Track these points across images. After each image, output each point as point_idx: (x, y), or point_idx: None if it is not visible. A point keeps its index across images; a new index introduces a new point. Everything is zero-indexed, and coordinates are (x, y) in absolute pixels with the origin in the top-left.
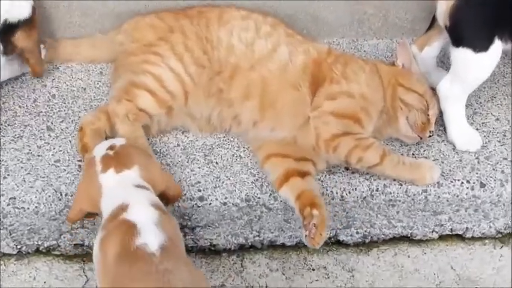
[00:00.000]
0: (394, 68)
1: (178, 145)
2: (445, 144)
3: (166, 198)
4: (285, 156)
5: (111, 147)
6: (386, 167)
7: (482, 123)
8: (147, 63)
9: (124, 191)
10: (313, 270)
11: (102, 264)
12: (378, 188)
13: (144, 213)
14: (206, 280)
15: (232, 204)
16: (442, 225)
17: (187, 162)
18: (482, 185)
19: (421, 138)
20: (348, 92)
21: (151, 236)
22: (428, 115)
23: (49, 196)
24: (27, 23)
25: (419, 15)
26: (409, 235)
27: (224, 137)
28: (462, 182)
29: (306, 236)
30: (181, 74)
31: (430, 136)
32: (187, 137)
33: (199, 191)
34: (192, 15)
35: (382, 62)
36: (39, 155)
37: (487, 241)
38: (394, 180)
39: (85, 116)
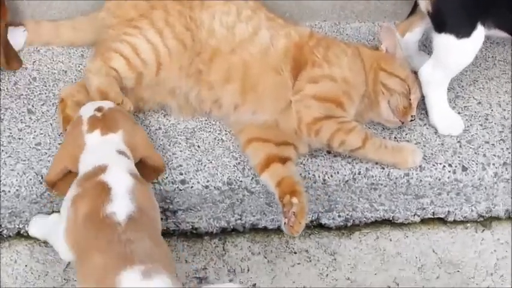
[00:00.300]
0: (376, 52)
1: (159, 128)
2: (427, 128)
3: (147, 170)
4: (266, 141)
5: (99, 109)
6: (369, 151)
7: (464, 106)
8: (125, 34)
9: (106, 154)
10: (295, 253)
11: (72, 222)
12: (360, 172)
13: (120, 179)
14: (171, 256)
15: (214, 187)
16: (424, 208)
17: (169, 145)
18: (464, 169)
19: (402, 123)
20: (330, 75)
21: (121, 204)
22: (410, 100)
23: (30, 179)
24: None
25: None
26: (391, 218)
27: (206, 120)
28: (444, 166)
29: (285, 223)
30: (158, 45)
31: (411, 120)
32: (169, 120)
33: (181, 174)
34: None
35: (364, 46)
36: (20, 138)
37: (468, 225)
38: (376, 163)
39: (65, 89)
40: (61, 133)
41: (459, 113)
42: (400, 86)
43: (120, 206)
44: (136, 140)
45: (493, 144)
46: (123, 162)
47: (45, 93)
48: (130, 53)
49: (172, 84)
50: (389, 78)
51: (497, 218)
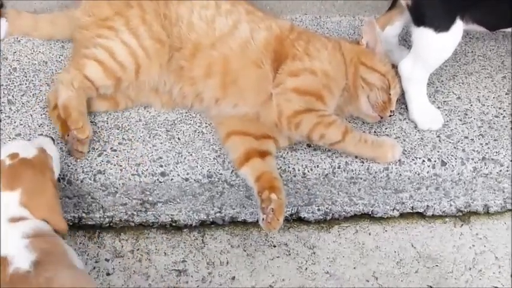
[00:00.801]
0: (357, 47)
1: (140, 120)
2: (407, 123)
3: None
4: (246, 134)
5: (12, 156)
6: (349, 144)
7: (444, 101)
8: (99, 37)
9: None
10: (275, 247)
11: None
12: (339, 166)
13: (13, 247)
14: (92, 280)
15: (194, 180)
16: (403, 203)
17: (149, 137)
18: (443, 164)
19: (381, 118)
20: (310, 69)
21: (21, 259)
22: (389, 95)
23: None
24: None
25: None
26: (370, 213)
27: (186, 112)
28: (423, 160)
29: (263, 219)
30: (134, 47)
31: (391, 116)
32: (149, 112)
33: (161, 166)
34: None
35: (345, 40)
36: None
37: (447, 219)
38: (356, 157)
39: (53, 93)
40: (41, 124)
41: (439, 107)
42: (380, 81)
43: (20, 260)
44: (37, 201)
45: (472, 139)
46: (15, 230)
47: (26, 83)
48: (106, 58)
49: (154, 82)
50: (369, 73)
51: (476, 213)
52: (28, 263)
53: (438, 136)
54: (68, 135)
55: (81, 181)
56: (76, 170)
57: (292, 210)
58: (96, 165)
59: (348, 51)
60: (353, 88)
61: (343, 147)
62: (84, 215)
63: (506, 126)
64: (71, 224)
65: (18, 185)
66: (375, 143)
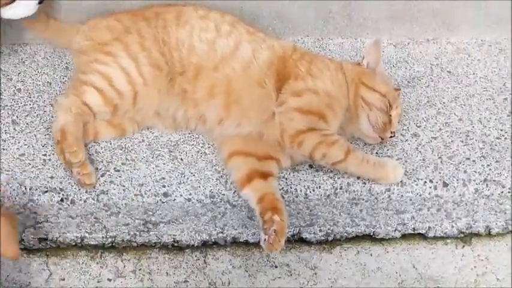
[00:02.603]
0: (358, 67)
1: (143, 141)
2: (409, 144)
3: None
4: (249, 155)
5: None
6: (350, 164)
7: (446, 123)
8: (97, 62)
9: None
10: (276, 267)
11: None
12: (341, 186)
13: None
14: None
15: (197, 200)
16: (404, 224)
17: (152, 158)
18: (445, 185)
19: (382, 139)
20: (313, 89)
21: None
22: (390, 115)
23: (13, 190)
24: None
25: (384, 14)
26: (371, 234)
27: (189, 133)
28: (425, 182)
29: (264, 240)
30: (133, 74)
31: (391, 137)
32: (153, 133)
33: (164, 186)
34: (149, 16)
35: (347, 61)
36: (4, 149)
37: (449, 240)
38: (358, 178)
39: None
40: (44, 144)
41: (440, 129)
42: (380, 101)
43: None
44: None
45: (474, 161)
46: None
47: (30, 104)
48: (104, 85)
49: (154, 107)
50: (369, 93)
51: (478, 235)
52: None
53: (440, 157)
54: (72, 170)
55: (84, 201)
56: (79, 190)
57: (293, 230)
58: (99, 185)
59: (349, 72)
60: (354, 108)
61: (345, 167)
62: (86, 234)
63: (507, 148)
64: (74, 244)
65: None
66: (377, 164)
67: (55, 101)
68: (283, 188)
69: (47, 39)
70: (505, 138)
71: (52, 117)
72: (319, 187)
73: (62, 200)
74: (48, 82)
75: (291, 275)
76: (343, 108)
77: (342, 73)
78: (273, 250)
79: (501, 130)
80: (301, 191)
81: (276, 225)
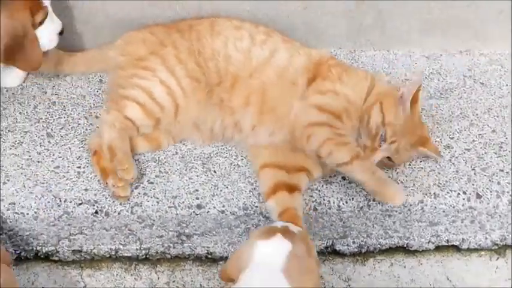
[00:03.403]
0: (391, 88)
1: (176, 153)
2: (442, 155)
3: None
4: (279, 167)
5: None
6: (355, 169)
7: (479, 134)
8: (137, 77)
9: None
10: None
11: None
12: (374, 198)
13: None
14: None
15: (230, 212)
16: (438, 235)
17: (186, 170)
18: (479, 196)
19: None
20: (336, 91)
21: None
22: (377, 145)
23: (48, 202)
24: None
25: (416, 26)
26: (405, 245)
27: (222, 145)
28: (458, 193)
29: None
30: (173, 86)
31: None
32: (186, 146)
33: (197, 198)
34: (183, 29)
35: (381, 80)
36: (39, 161)
37: (483, 252)
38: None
39: (94, 140)
40: (79, 157)
41: (473, 140)
42: (375, 125)
43: None
44: None
45: (507, 172)
46: None
47: (64, 117)
48: (145, 99)
49: (193, 119)
50: (376, 113)
51: None
52: None
53: (473, 169)
54: (107, 182)
55: (119, 213)
56: (113, 202)
57: (327, 243)
58: (134, 197)
59: (379, 87)
60: (362, 117)
61: (349, 171)
62: (121, 246)
63: None
64: (108, 255)
65: None
66: (381, 179)
67: (98, 117)
68: (316, 200)
69: (80, 72)
70: None
71: (86, 129)
72: (352, 199)
73: (96, 212)
74: (82, 95)
75: (325, 286)
76: (358, 112)
77: (368, 84)
78: None
79: None
80: (334, 203)
81: None
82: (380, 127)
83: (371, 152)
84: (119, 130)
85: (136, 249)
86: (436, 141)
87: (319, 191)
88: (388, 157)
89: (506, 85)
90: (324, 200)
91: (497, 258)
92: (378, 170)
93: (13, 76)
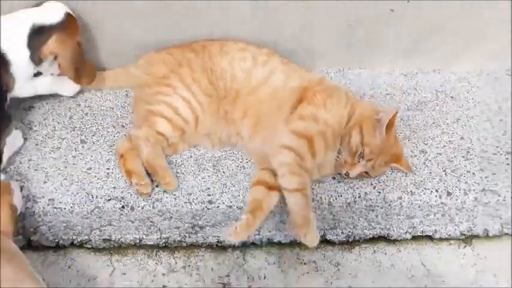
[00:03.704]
0: (373, 112)
1: (191, 157)
2: (417, 159)
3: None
4: (270, 170)
5: None
6: (292, 199)
7: (449, 141)
8: (161, 94)
9: None
10: (305, 264)
11: None
12: (360, 195)
13: None
14: (32, 274)
15: (237, 207)
16: (414, 227)
17: (199, 171)
18: (449, 194)
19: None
20: (316, 116)
21: None
22: (358, 162)
23: (82, 198)
24: (60, 30)
25: (396, 48)
26: (386, 235)
27: (230, 150)
28: (431, 191)
29: (235, 228)
30: (192, 102)
31: (345, 175)
32: (199, 150)
33: (209, 195)
34: (197, 49)
35: (368, 103)
36: (74, 164)
37: (452, 242)
38: (374, 188)
39: (121, 145)
40: (108, 160)
41: (444, 146)
42: (355, 144)
43: None
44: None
45: (473, 173)
46: None
47: (96, 126)
48: (171, 114)
49: (206, 130)
50: (356, 133)
51: (477, 236)
52: None
53: (444, 171)
54: (132, 181)
55: (142, 208)
56: (137, 198)
57: (319, 233)
58: (154, 194)
59: (362, 109)
60: (344, 135)
61: (287, 197)
62: (144, 236)
63: (503, 162)
64: (133, 244)
65: None
66: (306, 219)
67: (124, 126)
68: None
69: (109, 88)
70: (501, 154)
71: (114, 136)
72: (341, 196)
73: (123, 207)
74: (110, 107)
75: (317, 270)
76: (336, 134)
77: (348, 110)
78: (232, 238)
79: (497, 147)
80: (325, 199)
81: (244, 221)
82: (359, 146)
83: (351, 166)
84: (153, 145)
85: (157, 238)
86: (412, 147)
87: (312, 189)
88: (365, 171)
89: (473, 99)
90: (316, 196)
91: (465, 246)
92: (309, 209)
93: (70, 87)
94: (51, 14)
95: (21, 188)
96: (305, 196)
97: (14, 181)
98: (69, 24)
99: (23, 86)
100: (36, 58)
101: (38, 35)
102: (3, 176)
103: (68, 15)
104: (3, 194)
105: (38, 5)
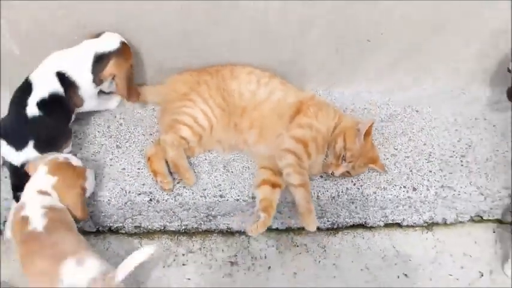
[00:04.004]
0: (354, 125)
1: (205, 159)
2: (389, 161)
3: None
4: (270, 169)
5: (65, 158)
6: (297, 193)
7: (415, 146)
8: (184, 107)
9: (27, 194)
10: (298, 246)
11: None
12: (342, 190)
13: (34, 211)
14: (87, 245)
15: (243, 200)
16: (386, 216)
17: (212, 171)
18: (414, 189)
19: (331, 173)
20: (311, 124)
21: (37, 222)
22: (341, 163)
23: (117, 193)
24: (117, 55)
25: (373, 70)
26: (363, 223)
27: (237, 154)
28: (400, 187)
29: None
30: (208, 113)
31: (331, 174)
32: (212, 154)
33: (220, 190)
34: (212, 72)
35: (352, 117)
36: (111, 165)
37: (417, 228)
38: (354, 185)
39: (150, 149)
40: (138, 161)
41: (411, 150)
42: (339, 148)
43: (37, 224)
44: (65, 191)
45: (434, 173)
46: (39, 199)
47: (128, 134)
48: (192, 122)
49: (218, 137)
50: (341, 140)
51: (437, 224)
52: (41, 226)
53: (411, 170)
54: (157, 179)
55: (166, 200)
56: (162, 192)
57: None
58: (176, 189)
59: (346, 122)
60: (330, 142)
61: (293, 192)
62: (167, 223)
63: (457, 163)
64: (159, 230)
65: (58, 174)
66: (309, 209)
67: (152, 134)
68: (277, 201)
69: (140, 102)
70: (455, 157)
71: (144, 143)
72: (327, 191)
73: (150, 200)
74: (141, 119)
75: (308, 251)
76: (325, 141)
77: (335, 121)
78: (253, 234)
79: (453, 151)
80: (314, 193)
81: (262, 220)
82: (342, 150)
83: (335, 167)
84: (177, 147)
85: (178, 225)
86: (385, 151)
87: None
88: (347, 171)
89: (433, 112)
90: None
91: (427, 232)
92: (310, 200)
93: (114, 101)
94: (110, 42)
95: (95, 176)
96: (307, 190)
97: (89, 169)
98: (124, 50)
99: (89, 103)
100: (97, 80)
101: (99, 62)
102: (80, 163)
103: (123, 43)
104: (78, 178)
105: (97, 35)
